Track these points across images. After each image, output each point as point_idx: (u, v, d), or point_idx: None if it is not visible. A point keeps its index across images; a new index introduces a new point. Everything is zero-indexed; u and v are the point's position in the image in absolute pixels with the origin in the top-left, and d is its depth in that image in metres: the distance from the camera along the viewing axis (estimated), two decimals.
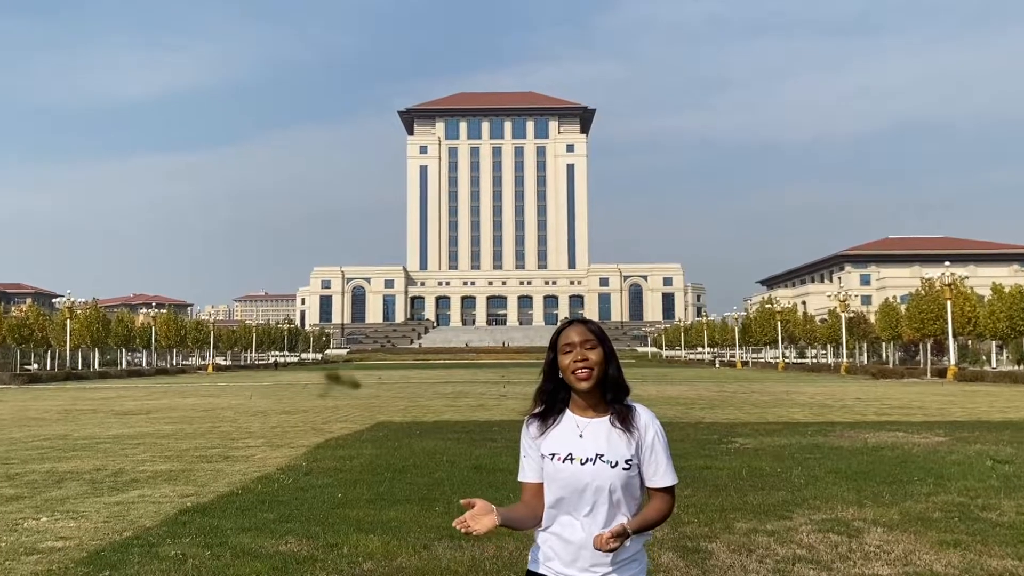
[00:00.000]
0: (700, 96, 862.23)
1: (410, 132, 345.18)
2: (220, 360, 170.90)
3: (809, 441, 26.94)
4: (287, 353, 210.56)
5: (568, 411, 5.06)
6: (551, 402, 5.09)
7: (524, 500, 5.06)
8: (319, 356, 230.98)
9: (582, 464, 4.86)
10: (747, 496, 16.92)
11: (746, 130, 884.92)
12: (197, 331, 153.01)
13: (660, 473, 4.99)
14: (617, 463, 4.86)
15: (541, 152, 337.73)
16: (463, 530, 4.63)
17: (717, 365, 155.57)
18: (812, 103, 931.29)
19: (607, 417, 4.99)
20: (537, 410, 5.13)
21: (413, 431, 31.38)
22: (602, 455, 4.87)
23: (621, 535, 4.70)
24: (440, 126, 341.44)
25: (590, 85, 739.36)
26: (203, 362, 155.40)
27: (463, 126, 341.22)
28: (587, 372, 4.92)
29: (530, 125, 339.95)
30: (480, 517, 4.67)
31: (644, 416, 5.03)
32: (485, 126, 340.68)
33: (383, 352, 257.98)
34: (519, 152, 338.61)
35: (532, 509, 5.01)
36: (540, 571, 4.97)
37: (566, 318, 5.44)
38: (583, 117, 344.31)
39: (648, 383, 75.86)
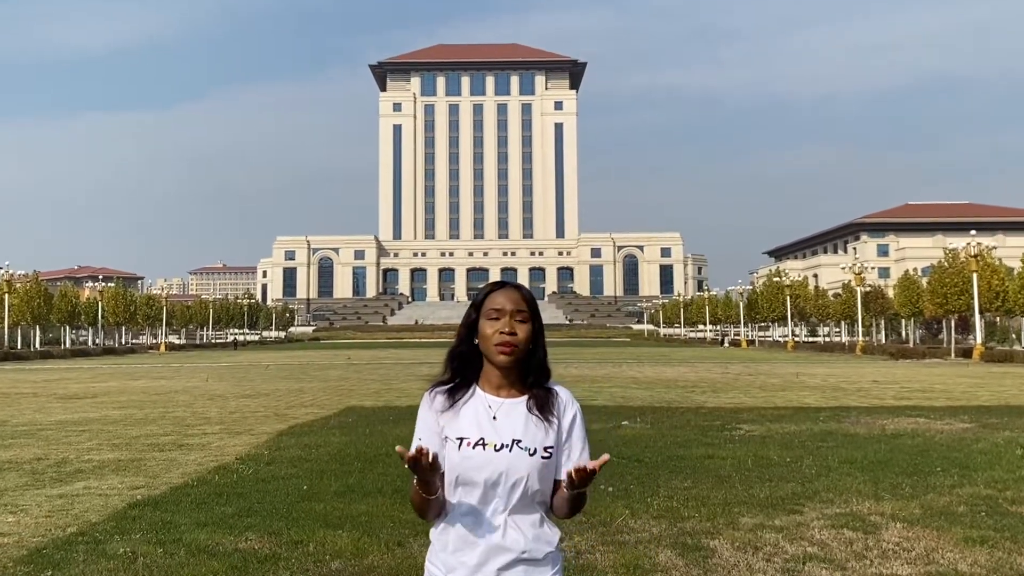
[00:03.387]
0: (702, 49, 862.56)
1: (383, 88, 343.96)
2: (173, 339, 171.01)
3: (821, 428, 27.01)
4: (247, 331, 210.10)
5: (478, 389, 4.86)
6: (462, 370, 4.89)
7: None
8: (282, 334, 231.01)
9: (496, 450, 4.66)
10: (753, 488, 16.94)
11: (752, 86, 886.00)
12: (148, 307, 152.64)
13: (575, 461, 4.79)
14: (536, 450, 4.68)
15: (527, 110, 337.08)
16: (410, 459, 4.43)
17: (726, 344, 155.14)
18: (825, 57, 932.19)
19: (523, 398, 4.81)
20: (445, 379, 4.92)
21: (386, 416, 31.37)
22: (519, 440, 4.69)
23: (591, 474, 4.50)
24: (416, 81, 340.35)
25: (580, 37, 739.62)
26: (155, 341, 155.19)
27: (441, 81, 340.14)
28: (511, 348, 4.72)
29: (514, 80, 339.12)
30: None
31: (563, 396, 4.88)
32: (465, 81, 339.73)
33: (353, 330, 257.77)
34: (502, 110, 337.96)
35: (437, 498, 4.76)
36: None
37: (500, 281, 5.15)
38: (573, 71, 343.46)
39: (644, 364, 76.09)
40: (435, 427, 4.81)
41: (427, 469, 4.45)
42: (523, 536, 4.66)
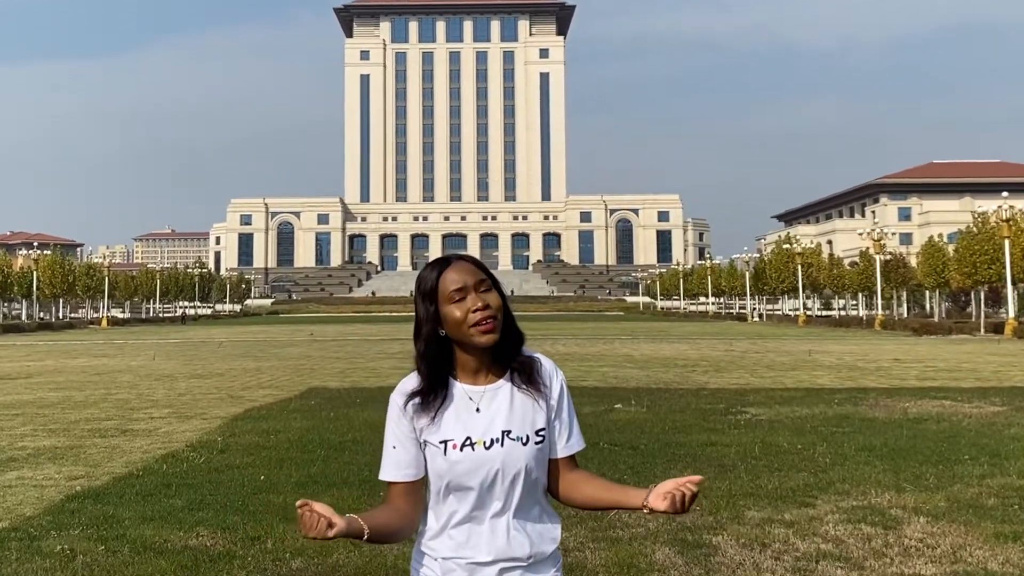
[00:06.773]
0: None
1: (349, 34, 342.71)
2: (117, 312, 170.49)
3: (836, 411, 27.10)
4: (199, 304, 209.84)
5: (455, 382, 4.76)
6: (435, 373, 4.74)
7: (391, 503, 4.78)
8: (238, 307, 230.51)
9: (487, 448, 4.60)
10: (760, 479, 16.98)
11: (760, 31, 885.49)
12: (89, 277, 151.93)
13: (571, 436, 4.84)
14: (528, 438, 4.65)
15: (509, 58, 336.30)
16: (313, 534, 4.31)
17: (754, 318, 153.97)
18: None
19: (504, 379, 4.77)
20: (414, 385, 4.77)
21: (352, 399, 31.37)
22: (509, 431, 4.63)
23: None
24: (385, 26, 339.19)
25: None
26: (96, 315, 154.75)
27: (413, 27, 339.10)
28: (492, 322, 4.63)
29: (495, 25, 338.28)
30: (329, 518, 4.36)
31: (547, 365, 4.84)
32: (440, 26, 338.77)
33: (316, 302, 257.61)
34: (482, 58, 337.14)
35: (403, 514, 4.73)
36: None
37: (440, 257, 5.00)
38: (560, 15, 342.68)
39: (639, 340, 76.16)
40: (410, 432, 4.74)
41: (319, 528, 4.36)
42: (528, 539, 4.64)
